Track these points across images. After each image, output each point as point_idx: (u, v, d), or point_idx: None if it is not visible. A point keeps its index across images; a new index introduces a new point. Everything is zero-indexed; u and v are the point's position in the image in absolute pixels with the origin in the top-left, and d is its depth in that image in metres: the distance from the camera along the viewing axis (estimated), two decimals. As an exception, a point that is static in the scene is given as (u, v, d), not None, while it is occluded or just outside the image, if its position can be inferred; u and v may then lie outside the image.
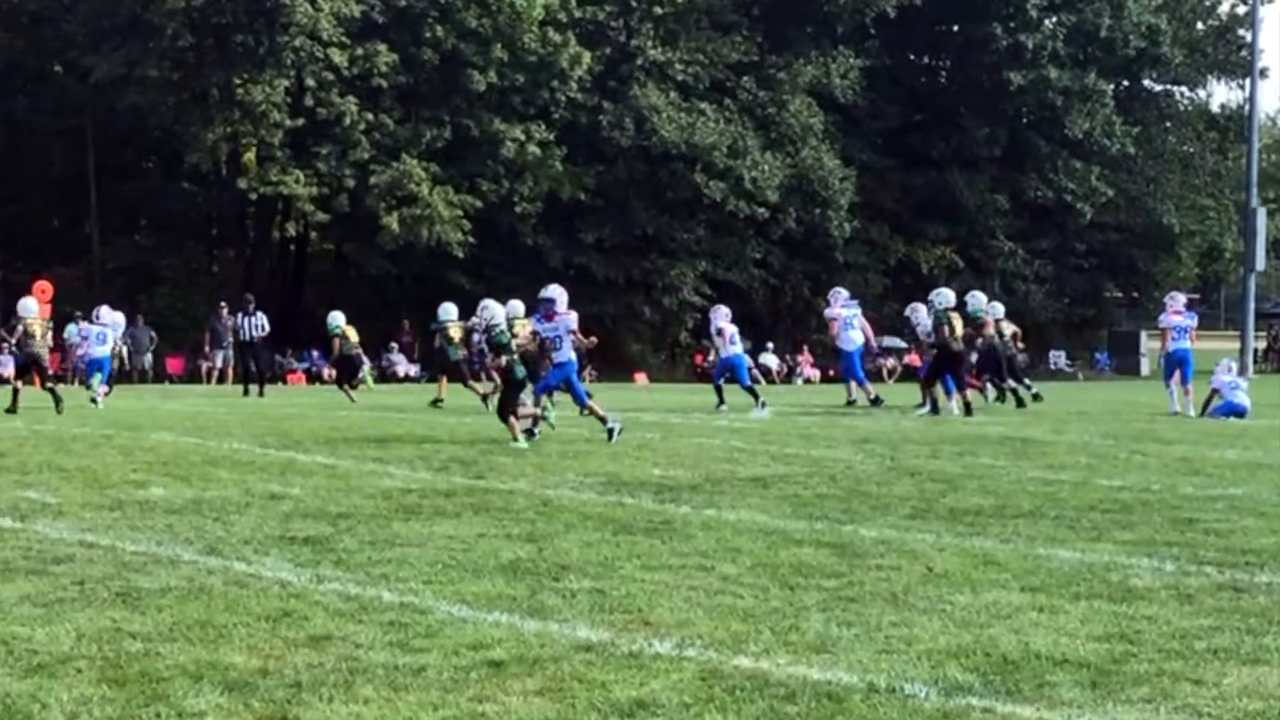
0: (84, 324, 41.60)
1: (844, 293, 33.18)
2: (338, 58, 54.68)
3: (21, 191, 60.06)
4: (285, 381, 51.97)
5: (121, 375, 34.21)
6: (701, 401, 31.25)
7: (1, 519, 11.65)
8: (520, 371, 19.87)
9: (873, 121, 68.78)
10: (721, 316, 31.18)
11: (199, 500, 12.88)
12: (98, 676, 6.82)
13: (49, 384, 30.53)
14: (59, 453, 16.58)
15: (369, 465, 15.59)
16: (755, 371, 31.63)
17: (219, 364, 50.32)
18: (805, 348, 63.55)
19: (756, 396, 28.53)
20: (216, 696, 6.50)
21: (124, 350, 35.44)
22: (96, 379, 32.58)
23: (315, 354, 56.64)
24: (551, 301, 21.29)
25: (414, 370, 57.71)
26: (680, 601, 8.59)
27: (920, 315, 30.71)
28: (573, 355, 21.49)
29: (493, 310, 20.86)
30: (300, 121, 54.87)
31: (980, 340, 30.23)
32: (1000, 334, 31.04)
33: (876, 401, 30.20)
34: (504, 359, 19.70)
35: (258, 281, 59.40)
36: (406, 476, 14.64)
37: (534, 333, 21.60)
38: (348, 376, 35.00)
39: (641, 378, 58.38)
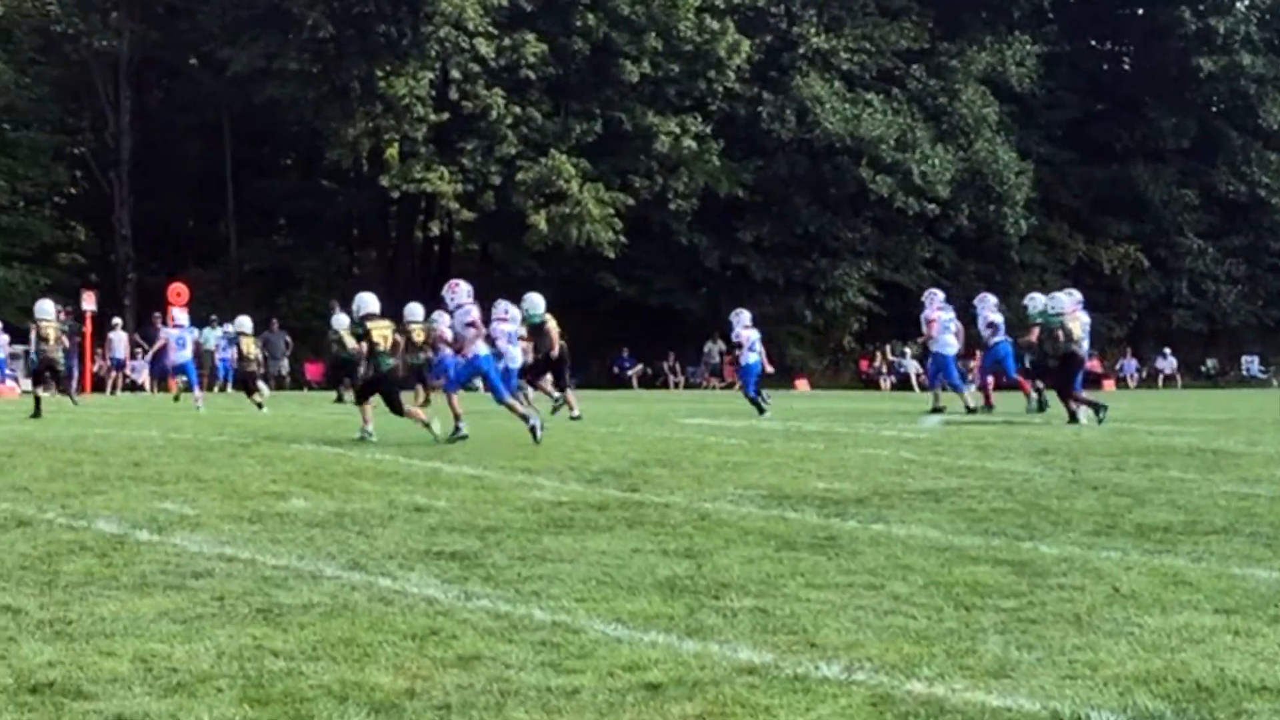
0: (165, 328, 42.42)
1: (940, 295, 33.21)
2: (484, 48, 55.11)
3: (156, 190, 61.17)
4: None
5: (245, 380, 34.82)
6: (868, 409, 31.13)
7: (139, 531, 11.84)
8: (385, 364, 21.68)
9: (1051, 112, 68.16)
10: (741, 323, 31.46)
11: (341, 513, 13.00)
12: (239, 696, 6.89)
13: (64, 389, 31.11)
14: (196, 463, 16.84)
15: (517, 476, 15.67)
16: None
17: None
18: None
19: (761, 409, 30.01)
20: (362, 718, 6.56)
21: (258, 355, 35.96)
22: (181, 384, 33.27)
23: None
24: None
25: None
26: (848, 622, 8.55)
27: (987, 305, 31.05)
28: (484, 350, 22.27)
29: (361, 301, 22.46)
30: (445, 115, 55.39)
31: (1038, 344, 30.34)
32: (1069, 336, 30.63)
33: (975, 410, 30.02)
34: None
35: (399, 283, 59.97)
36: (557, 489, 14.69)
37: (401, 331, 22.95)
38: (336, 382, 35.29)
39: (803, 384, 58.28)
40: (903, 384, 57.30)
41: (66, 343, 33.20)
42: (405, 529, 12.13)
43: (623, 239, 56.71)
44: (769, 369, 32.89)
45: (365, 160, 59.53)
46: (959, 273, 63.57)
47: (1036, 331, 29.40)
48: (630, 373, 59.36)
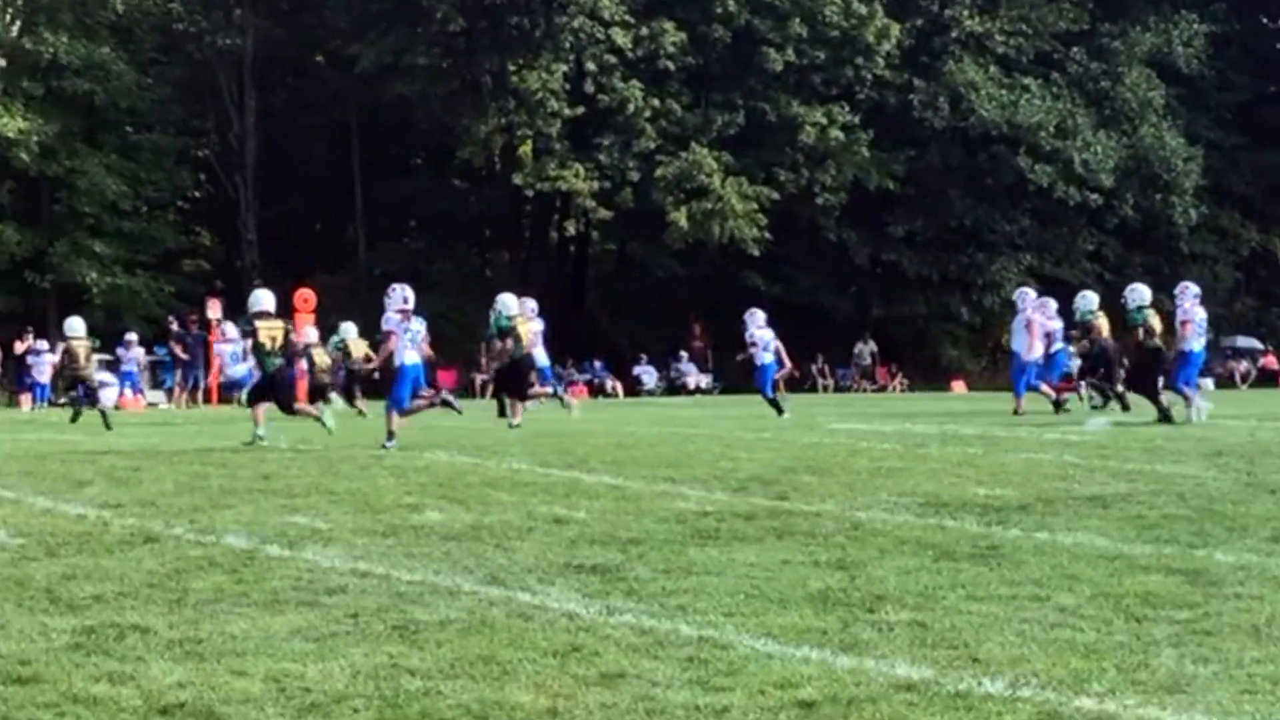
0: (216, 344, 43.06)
1: (1031, 294, 33.22)
2: (620, 39, 55.28)
3: (282, 193, 61.95)
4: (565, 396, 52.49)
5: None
6: (1033, 409, 30.91)
7: (269, 546, 11.99)
8: (270, 364, 23.55)
9: (1220, 94, 67.29)
10: (755, 323, 32.15)
11: (478, 525, 13.09)
12: (375, 716, 6.95)
13: (97, 405, 31.69)
14: (327, 474, 17.03)
15: (660, 486, 15.69)
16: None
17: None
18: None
19: (780, 410, 31.06)
20: (503, 738, 6.60)
21: (329, 364, 36.42)
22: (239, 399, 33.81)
23: (598, 364, 57.30)
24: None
25: (705, 381, 58.02)
26: (1012, 635, 8.49)
27: (1087, 302, 31.09)
28: (407, 359, 23.09)
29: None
30: (580, 110, 55.59)
31: (1089, 343, 30.98)
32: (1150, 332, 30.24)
33: (1041, 410, 30.11)
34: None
35: (535, 285, 60.26)
36: (701, 498, 14.70)
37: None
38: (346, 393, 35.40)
39: (960, 385, 57.96)
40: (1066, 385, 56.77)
41: (94, 361, 34.07)
42: (544, 541, 12.20)
43: (767, 235, 56.62)
44: (788, 367, 34.20)
45: (498, 158, 59.78)
46: (1124, 265, 62.65)
47: (1140, 330, 29.32)
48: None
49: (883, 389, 58.27)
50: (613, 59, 55.64)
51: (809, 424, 27.83)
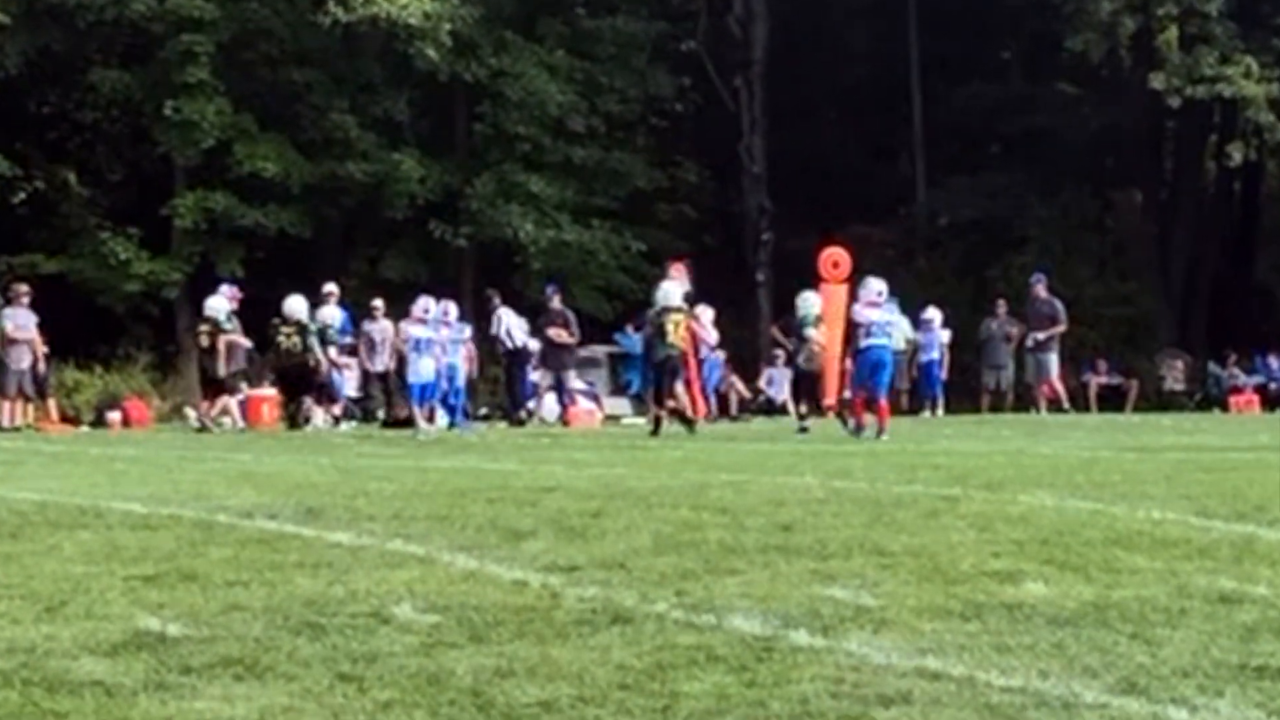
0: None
1: None
2: None
3: (804, 105, 62.70)
4: (1225, 406, 51.89)
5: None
6: None
7: (794, 632, 12.06)
8: None
9: None
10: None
11: (1103, 604, 13.03)
12: None
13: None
14: (876, 525, 17.06)
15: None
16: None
17: None
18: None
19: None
20: None
21: None
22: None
23: (1273, 360, 56.24)
24: None
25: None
26: None
27: None
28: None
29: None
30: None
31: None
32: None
33: None
34: None
35: (1176, 240, 59.85)
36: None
37: None
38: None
39: None
40: None
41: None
42: (1205, 630, 12.10)
43: None
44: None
45: (1126, 52, 59.32)
46: None
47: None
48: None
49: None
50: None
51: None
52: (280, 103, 55.06)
